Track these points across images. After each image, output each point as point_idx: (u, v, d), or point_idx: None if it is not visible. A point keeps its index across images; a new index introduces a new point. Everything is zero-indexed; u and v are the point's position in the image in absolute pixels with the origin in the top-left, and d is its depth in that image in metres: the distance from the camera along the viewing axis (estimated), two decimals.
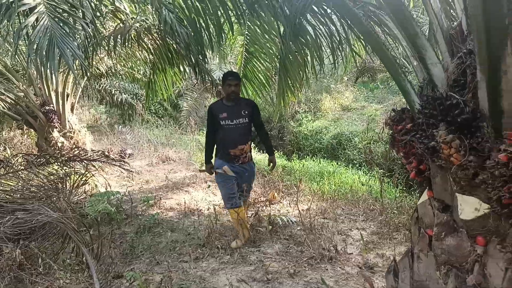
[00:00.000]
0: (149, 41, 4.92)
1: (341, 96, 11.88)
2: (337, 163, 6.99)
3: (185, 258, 3.12)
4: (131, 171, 5.64)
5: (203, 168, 3.71)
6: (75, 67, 3.31)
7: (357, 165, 7.22)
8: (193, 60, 4.17)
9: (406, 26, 1.45)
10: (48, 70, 2.76)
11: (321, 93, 11.91)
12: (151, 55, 5.13)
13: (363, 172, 6.11)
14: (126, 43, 4.47)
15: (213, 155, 3.55)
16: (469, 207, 1.36)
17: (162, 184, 5.72)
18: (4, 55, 7.16)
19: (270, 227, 3.57)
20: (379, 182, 4.98)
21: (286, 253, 3.18)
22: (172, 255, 3.19)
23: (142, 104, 12.47)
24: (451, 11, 1.73)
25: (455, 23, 1.59)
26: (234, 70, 4.29)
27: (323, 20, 3.64)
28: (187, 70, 4.99)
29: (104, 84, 11.98)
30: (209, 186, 5.47)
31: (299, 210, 3.63)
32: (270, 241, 3.44)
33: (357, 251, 3.30)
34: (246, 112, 3.35)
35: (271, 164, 3.63)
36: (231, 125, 3.31)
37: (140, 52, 5.94)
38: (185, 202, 4.56)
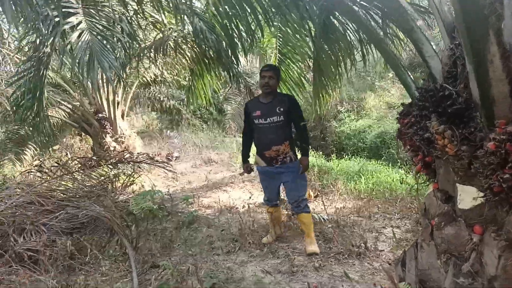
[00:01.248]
0: (187, 49, 5.21)
1: (386, 93, 11.53)
2: (378, 162, 6.85)
3: (218, 252, 3.29)
4: (175, 172, 5.99)
5: (241, 170, 3.66)
6: (115, 77, 3.61)
7: (402, 164, 7.02)
8: (225, 64, 4.36)
9: (402, 22, 1.49)
10: (89, 81, 3.07)
11: (365, 91, 11.65)
12: (189, 62, 5.42)
13: (404, 170, 5.94)
14: (166, 52, 4.77)
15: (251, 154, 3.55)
16: (468, 196, 1.38)
17: (202, 184, 5.99)
18: (60, 68, 7.89)
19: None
20: (414, 179, 4.85)
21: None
22: (206, 248, 3.38)
23: (189, 109, 13.01)
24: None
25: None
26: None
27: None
28: (223, 75, 5.20)
29: (154, 91, 12.69)
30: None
31: (324, 207, 3.67)
32: (300, 238, 3.51)
33: (388, 248, 3.28)
34: (282, 109, 3.06)
35: (301, 166, 3.22)
36: (265, 124, 3.09)
37: (181, 60, 6.28)
38: (221, 200, 4.75)
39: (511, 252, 1.21)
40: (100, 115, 7.67)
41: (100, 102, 7.64)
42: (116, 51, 2.89)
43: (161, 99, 12.94)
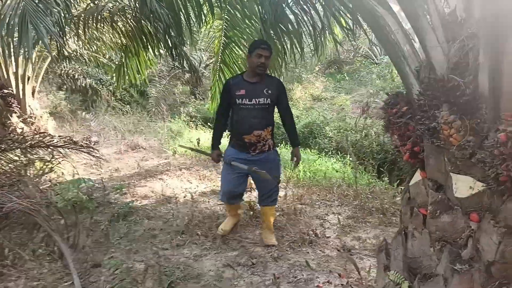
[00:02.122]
0: (122, 23, 4.73)
1: (311, 86, 12.04)
2: (310, 151, 7.10)
3: (165, 246, 3.05)
4: (101, 158, 5.45)
5: (209, 152, 3.13)
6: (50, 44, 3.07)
7: (329, 153, 7.37)
8: (171, 44, 4.05)
9: (408, 7, 1.47)
10: (21, 49, 2.55)
11: (293, 82, 12.01)
12: (123, 38, 4.93)
13: (336, 159, 6.24)
14: (99, 25, 4.25)
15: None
16: (464, 185, 1.42)
17: (133, 172, 5.56)
18: None
19: (251, 212, 3.58)
20: (352, 169, 5.13)
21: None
22: (151, 243, 3.12)
23: (108, 89, 12.01)
24: None
25: (448, 9, 1.64)
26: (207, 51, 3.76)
27: (306, 8, 3.65)
28: (163, 54, 4.84)
29: (66, 68, 11.42)
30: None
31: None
32: (251, 227, 3.44)
33: (335, 235, 3.38)
34: (269, 92, 2.79)
35: (295, 158, 3.07)
36: (248, 105, 2.79)
37: (110, 35, 5.69)
38: (162, 190, 4.45)
39: (510, 238, 1.28)
40: (5, 91, 6.62)
41: (5, 75, 6.59)
42: (53, 15, 2.44)
43: (76, 76, 11.76)
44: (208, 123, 9.82)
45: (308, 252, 3.00)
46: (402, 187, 3.52)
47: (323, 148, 8.07)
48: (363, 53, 15.37)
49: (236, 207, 3.28)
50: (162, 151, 7.02)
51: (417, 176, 1.68)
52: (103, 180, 4.84)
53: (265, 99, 2.79)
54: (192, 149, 3.96)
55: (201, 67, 12.79)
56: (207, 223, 3.49)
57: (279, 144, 8.36)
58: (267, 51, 2.75)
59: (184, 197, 4.36)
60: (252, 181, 4.78)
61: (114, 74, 8.08)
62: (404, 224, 1.71)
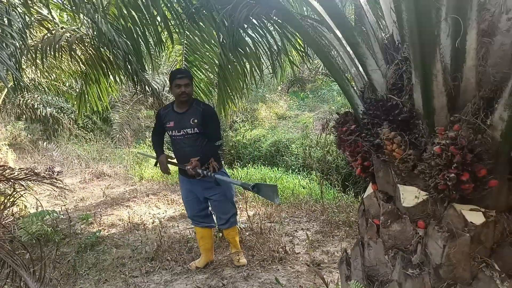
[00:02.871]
0: (81, 52, 4.70)
1: (275, 105, 12.31)
2: (277, 169, 7.21)
3: (135, 273, 3.01)
4: (65, 189, 5.29)
5: (160, 163, 3.02)
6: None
7: (296, 170, 7.51)
8: (131, 70, 4.07)
9: (349, 36, 1.61)
10: None
11: (257, 102, 12.22)
12: (83, 66, 4.89)
13: (302, 176, 6.38)
14: (57, 54, 4.21)
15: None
16: (410, 195, 1.54)
17: (99, 200, 5.44)
18: None
19: (220, 234, 3.59)
20: (318, 184, 5.27)
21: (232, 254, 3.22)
22: (120, 271, 3.06)
23: (69, 118, 11.70)
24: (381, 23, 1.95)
25: (387, 34, 1.80)
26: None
27: (262, 32, 3.80)
28: (124, 81, 4.83)
29: (25, 98, 11.06)
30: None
31: (248, 215, 3.70)
32: (221, 248, 3.45)
33: (304, 250, 3.46)
34: (195, 121, 2.82)
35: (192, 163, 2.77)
36: (179, 136, 2.86)
37: (69, 63, 5.64)
38: (129, 217, 4.37)
39: (453, 242, 1.40)
40: None
41: None
42: (8, 48, 2.42)
43: (35, 106, 11.39)
44: None
45: (278, 269, 3.05)
46: (358, 207, 3.67)
47: (290, 165, 8.21)
48: (323, 71, 15.94)
49: (206, 235, 3.14)
50: (128, 178, 6.91)
51: (370, 189, 1.79)
52: (68, 211, 4.70)
53: (192, 129, 2.83)
54: (149, 156, 3.92)
55: (165, 90, 12.78)
56: (177, 248, 3.47)
57: (247, 164, 8.44)
58: (185, 79, 2.83)
59: (153, 223, 4.32)
60: None
61: (75, 102, 7.94)
62: (361, 235, 1.81)
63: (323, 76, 15.57)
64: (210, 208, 3.17)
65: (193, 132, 2.84)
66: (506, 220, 1.43)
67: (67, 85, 8.63)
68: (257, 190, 2.73)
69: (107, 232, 4.04)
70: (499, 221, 1.42)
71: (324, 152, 6.88)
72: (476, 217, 1.39)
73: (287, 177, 6.17)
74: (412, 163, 1.47)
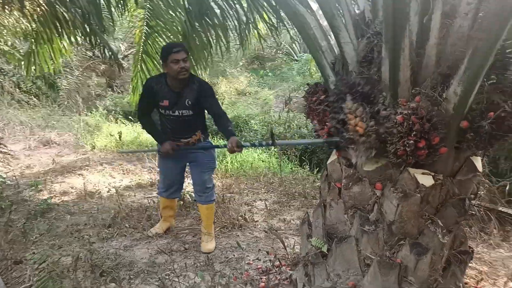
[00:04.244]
0: (32, 7, 4.36)
1: (236, 80, 12.26)
2: None
3: (92, 239, 2.97)
4: (9, 154, 5.00)
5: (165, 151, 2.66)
6: None
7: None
8: (90, 30, 3.87)
9: (326, 9, 1.69)
10: None
11: (217, 76, 12.09)
12: (33, 23, 4.54)
13: (262, 151, 6.50)
14: (4, 9, 3.88)
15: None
16: (371, 160, 1.68)
17: (48, 168, 5.18)
18: None
19: (181, 202, 3.63)
20: (277, 159, 5.44)
21: (199, 225, 3.29)
22: (76, 237, 3.01)
23: (11, 80, 10.83)
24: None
25: (359, 10, 1.91)
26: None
27: (231, 2, 3.78)
28: (80, 41, 4.57)
29: None
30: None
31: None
32: (182, 217, 3.50)
33: (262, 219, 3.60)
34: (190, 103, 2.59)
35: (232, 145, 2.42)
36: (172, 116, 2.65)
37: (15, 20, 5.20)
38: (83, 185, 4.24)
39: (405, 201, 1.57)
40: None
41: None
42: None
43: None
44: (130, 117, 9.45)
45: (238, 235, 3.17)
46: (321, 173, 3.88)
47: (249, 140, 8.33)
48: (284, 50, 16.04)
49: (172, 205, 3.15)
50: (79, 146, 6.63)
51: (333, 156, 1.93)
52: (14, 177, 4.46)
53: (188, 111, 2.63)
54: (135, 151, 3.68)
55: (119, 57, 12.19)
56: (135, 216, 3.46)
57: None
58: (182, 53, 2.49)
59: (108, 191, 4.23)
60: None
61: (17, 63, 7.36)
62: (323, 198, 1.95)
63: (283, 55, 15.69)
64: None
65: (188, 113, 2.63)
66: (451, 183, 1.63)
67: (9, 44, 7.96)
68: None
69: (58, 199, 3.91)
70: (445, 184, 1.61)
71: (284, 129, 7.05)
72: (426, 180, 1.57)
73: (247, 151, 6.27)
74: (374, 135, 1.59)
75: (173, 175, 2.96)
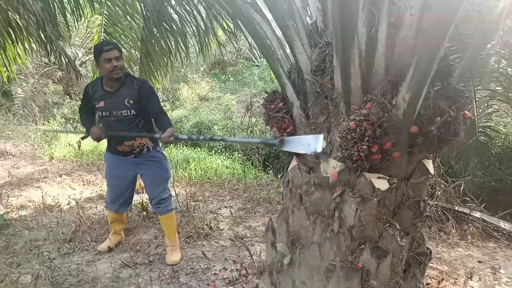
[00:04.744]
0: None
1: (198, 86, 12.17)
2: (200, 149, 7.22)
3: (53, 255, 2.85)
4: None
5: (92, 133, 2.59)
6: None
7: (218, 151, 7.60)
8: (45, 38, 3.72)
9: (280, 19, 1.72)
10: None
11: (179, 82, 11.94)
12: None
13: (225, 157, 6.49)
14: None
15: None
16: (329, 166, 1.73)
17: (4, 181, 4.92)
18: None
19: (145, 212, 3.55)
20: (241, 164, 5.44)
21: (163, 237, 3.23)
22: (35, 254, 2.87)
23: None
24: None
25: (311, 20, 1.95)
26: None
27: (189, 8, 3.76)
28: (35, 49, 4.37)
29: None
30: None
31: (175, 193, 3.70)
32: (146, 228, 3.43)
33: (228, 226, 3.60)
34: (131, 102, 2.51)
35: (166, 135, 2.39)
36: (110, 117, 2.56)
37: None
38: (42, 198, 4.05)
39: (364, 206, 1.62)
40: None
41: None
42: None
43: None
44: None
45: (203, 245, 3.15)
46: (283, 179, 3.92)
47: (212, 146, 8.28)
48: (245, 55, 16.13)
49: (121, 219, 3.05)
50: (37, 157, 6.33)
51: (294, 162, 1.96)
52: None
53: (128, 111, 2.53)
54: (60, 131, 3.44)
55: (76, 64, 11.78)
56: (97, 229, 3.35)
57: (169, 145, 8.27)
58: (114, 51, 2.44)
59: (68, 204, 4.07)
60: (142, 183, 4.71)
61: None
62: (285, 204, 1.98)
63: (244, 60, 15.76)
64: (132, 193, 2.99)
65: (129, 114, 2.54)
66: (405, 186, 1.70)
67: None
68: (285, 145, 2.19)
69: (16, 214, 3.71)
70: (399, 187, 1.67)
71: (247, 134, 7.07)
72: (382, 184, 1.63)
73: (210, 157, 6.24)
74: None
75: (121, 187, 2.84)
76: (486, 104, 4.38)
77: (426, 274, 2.58)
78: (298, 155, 1.94)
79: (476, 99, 4.08)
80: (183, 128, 9.79)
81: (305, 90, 1.82)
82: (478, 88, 4.05)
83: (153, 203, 2.84)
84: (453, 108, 1.56)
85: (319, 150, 2.03)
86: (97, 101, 2.57)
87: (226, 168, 5.61)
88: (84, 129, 2.70)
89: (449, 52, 1.88)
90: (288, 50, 1.91)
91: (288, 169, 2.02)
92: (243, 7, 1.79)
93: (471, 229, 3.39)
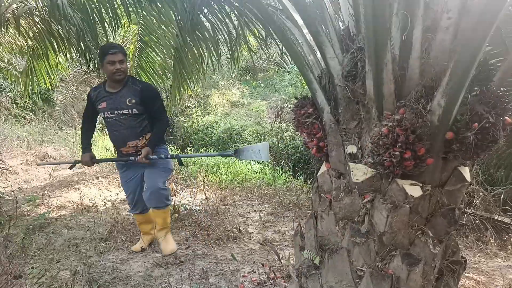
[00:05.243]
0: (28, 25, 4.42)
1: (228, 92, 12.34)
2: None
3: (89, 253, 2.98)
4: (6, 169, 5.01)
5: (83, 163, 2.81)
6: None
7: None
8: (84, 47, 3.92)
9: (311, 25, 1.73)
10: None
11: (210, 89, 12.16)
12: (30, 41, 4.60)
13: (256, 162, 6.53)
14: (1, 27, 3.92)
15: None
16: (359, 172, 1.71)
17: (45, 183, 5.19)
18: None
19: (176, 215, 3.64)
20: (271, 170, 5.46)
21: (194, 238, 3.30)
22: (73, 251, 3.01)
23: (7, 96, 10.87)
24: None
25: (343, 25, 1.95)
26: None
27: (221, 16, 3.84)
28: (75, 58, 4.62)
29: None
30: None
31: (206, 196, 3.77)
32: (177, 229, 3.51)
33: (257, 230, 3.62)
34: (133, 102, 2.58)
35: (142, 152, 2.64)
36: (113, 117, 2.62)
37: (10, 38, 5.27)
38: (81, 199, 4.24)
39: (395, 212, 1.59)
40: None
41: None
42: None
43: None
44: None
45: (233, 247, 3.18)
46: (312, 184, 3.90)
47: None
48: (276, 61, 16.20)
49: (147, 219, 3.06)
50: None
51: (323, 168, 1.95)
52: (12, 192, 4.46)
53: (129, 110, 2.60)
54: (52, 164, 3.58)
55: None
56: (131, 229, 3.46)
57: (200, 150, 8.42)
58: (119, 54, 2.53)
59: (104, 205, 4.24)
60: (174, 186, 4.82)
61: (14, 80, 7.41)
62: (314, 209, 1.97)
63: (275, 66, 15.82)
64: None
65: (131, 113, 2.61)
66: (439, 193, 1.65)
67: (5, 61, 8.05)
68: (239, 155, 2.58)
69: (56, 214, 3.91)
70: (433, 195, 1.63)
71: (277, 139, 7.09)
72: (414, 191, 1.60)
73: (240, 162, 6.30)
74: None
75: (135, 188, 2.88)
76: None
77: (461, 284, 2.49)
78: (328, 159, 1.94)
79: None
80: (214, 134, 9.96)
81: (336, 96, 1.82)
82: None
83: (151, 195, 2.74)
84: (492, 114, 1.51)
85: (267, 158, 2.00)
86: (99, 102, 2.65)
87: (256, 173, 5.64)
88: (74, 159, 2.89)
89: (489, 55, 1.82)
90: (319, 56, 1.92)
91: (318, 175, 2.02)
92: (274, 14, 1.81)
93: (511, 239, 3.22)
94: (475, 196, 3.74)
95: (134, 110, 2.60)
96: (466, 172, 1.71)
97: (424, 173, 1.61)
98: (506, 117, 1.53)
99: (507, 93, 1.59)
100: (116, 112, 2.60)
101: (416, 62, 1.57)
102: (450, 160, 1.65)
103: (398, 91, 1.59)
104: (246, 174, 5.58)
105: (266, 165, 6.46)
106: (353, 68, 1.67)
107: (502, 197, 3.61)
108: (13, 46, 5.53)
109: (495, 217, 3.51)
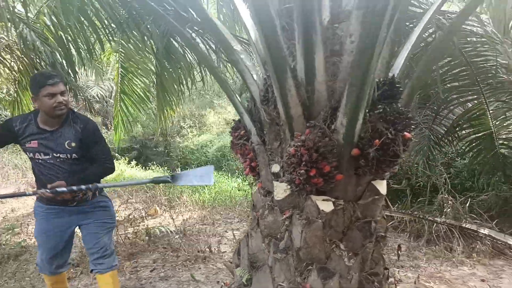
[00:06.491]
0: (12, 59, 4.65)
1: (224, 110, 12.53)
2: (219, 173, 7.42)
3: None
4: None
5: None
6: None
7: (241, 174, 7.76)
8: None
9: (231, 55, 1.85)
10: None
11: (205, 108, 12.37)
12: (15, 73, 4.82)
13: (246, 179, 6.62)
14: None
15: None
16: (281, 189, 1.79)
17: (31, 210, 5.31)
18: None
19: (147, 238, 3.71)
20: (249, 185, 5.53)
21: (163, 260, 3.36)
22: (42, 279, 3.09)
23: None
24: None
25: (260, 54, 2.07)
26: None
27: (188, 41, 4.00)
28: None
29: None
30: None
31: (183, 218, 3.85)
32: (148, 252, 3.57)
33: (230, 249, 3.67)
34: (73, 145, 2.11)
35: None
36: (46, 159, 2.10)
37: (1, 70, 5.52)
38: None
39: (309, 227, 1.66)
40: None
41: None
42: None
43: None
44: (117, 153, 9.66)
45: (200, 268, 3.23)
46: None
47: (235, 169, 8.46)
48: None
49: (61, 279, 2.48)
50: None
51: (257, 186, 2.04)
52: None
53: (68, 154, 2.12)
54: (6, 197, 2.75)
55: (112, 97, 12.60)
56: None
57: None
58: (60, 85, 2.03)
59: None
60: (157, 208, 4.90)
61: (12, 109, 7.66)
62: (249, 227, 2.05)
63: None
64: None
65: (69, 157, 2.12)
66: (353, 208, 1.73)
67: (4, 91, 8.33)
68: (177, 180, 2.25)
69: (34, 241, 4.01)
70: (346, 209, 1.70)
71: None
72: (326, 206, 1.67)
73: (227, 180, 6.39)
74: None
75: (58, 245, 2.29)
76: (505, 116, 4.19)
77: None
78: (260, 179, 2.02)
79: (490, 111, 3.93)
80: (208, 152, 10.11)
81: (260, 118, 1.92)
82: (491, 100, 3.90)
83: (95, 259, 2.29)
84: (391, 130, 1.60)
85: (211, 182, 1.99)
86: (27, 140, 2.10)
87: (238, 190, 5.71)
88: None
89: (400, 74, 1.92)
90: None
91: (253, 193, 2.10)
92: (197, 44, 1.93)
93: (477, 246, 3.24)
94: (444, 204, 3.78)
95: (74, 155, 2.13)
96: (381, 185, 1.78)
97: (337, 188, 1.69)
98: (405, 133, 1.61)
99: (408, 110, 1.67)
100: (51, 154, 2.10)
101: (322, 85, 1.67)
102: (364, 176, 1.72)
103: (308, 112, 1.69)
104: (230, 192, 5.66)
105: (255, 183, 6.53)
106: (266, 93, 1.78)
107: (467, 204, 3.64)
108: (6, 78, 5.78)
109: (463, 225, 3.53)
